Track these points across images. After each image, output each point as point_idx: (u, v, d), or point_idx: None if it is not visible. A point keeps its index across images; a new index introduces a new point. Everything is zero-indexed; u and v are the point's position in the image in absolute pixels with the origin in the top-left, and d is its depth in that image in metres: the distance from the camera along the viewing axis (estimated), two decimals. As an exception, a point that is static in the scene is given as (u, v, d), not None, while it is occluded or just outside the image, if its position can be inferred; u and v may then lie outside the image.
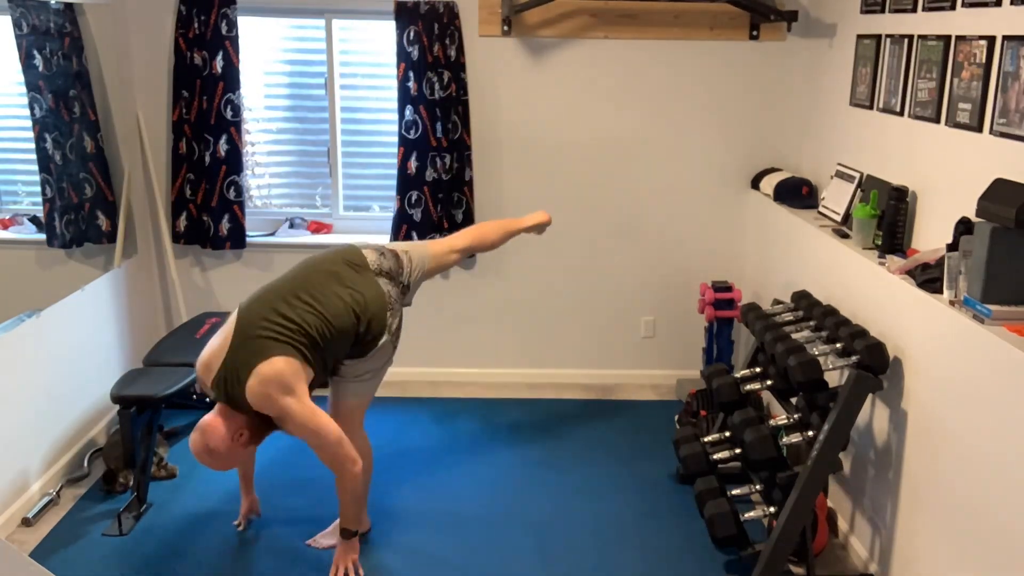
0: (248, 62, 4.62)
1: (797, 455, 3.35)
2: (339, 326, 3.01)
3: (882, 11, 3.58)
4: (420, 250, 3.39)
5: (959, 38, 2.97)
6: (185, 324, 4.33)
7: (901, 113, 3.39)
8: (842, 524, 3.48)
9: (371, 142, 4.78)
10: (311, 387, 3.00)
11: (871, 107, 3.67)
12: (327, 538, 3.40)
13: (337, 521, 3.30)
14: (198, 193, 4.62)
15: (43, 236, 3.80)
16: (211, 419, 2.92)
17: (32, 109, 3.69)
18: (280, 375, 2.85)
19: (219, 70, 4.46)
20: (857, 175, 3.72)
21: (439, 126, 4.51)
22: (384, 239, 4.73)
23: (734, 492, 3.30)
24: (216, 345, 2.98)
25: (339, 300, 3.04)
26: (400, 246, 3.37)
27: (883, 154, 3.56)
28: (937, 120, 3.11)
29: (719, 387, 3.52)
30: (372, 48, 4.66)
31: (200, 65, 4.47)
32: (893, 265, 3.07)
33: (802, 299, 3.61)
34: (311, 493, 3.75)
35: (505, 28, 4.49)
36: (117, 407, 3.65)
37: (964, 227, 2.70)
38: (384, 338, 3.12)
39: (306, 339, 2.94)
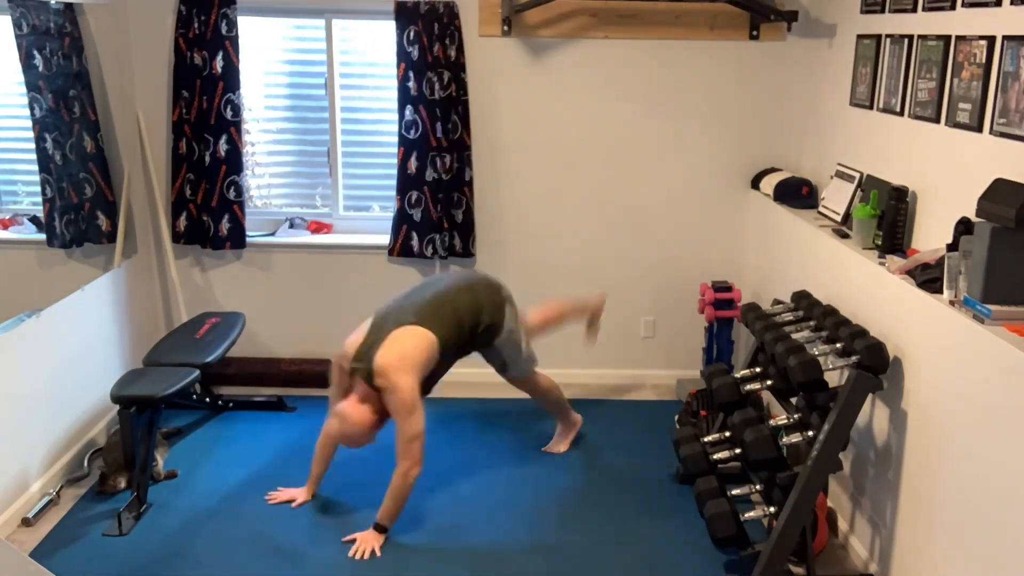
0: (248, 62, 4.62)
1: (797, 455, 3.35)
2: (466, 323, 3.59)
3: (882, 11, 3.58)
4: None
5: (959, 38, 2.97)
6: (185, 324, 4.34)
7: (901, 113, 3.39)
8: (842, 524, 3.48)
9: (371, 142, 4.78)
10: (426, 386, 3.47)
11: (871, 107, 3.67)
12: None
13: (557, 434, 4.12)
14: (198, 193, 4.62)
15: (43, 236, 3.81)
16: (348, 406, 3.40)
17: (32, 109, 3.69)
18: (411, 348, 3.35)
19: (219, 70, 4.46)
20: (857, 175, 3.72)
21: (439, 126, 4.52)
22: (384, 239, 4.74)
23: (734, 492, 3.30)
24: (354, 337, 3.48)
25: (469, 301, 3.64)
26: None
27: (883, 154, 3.56)
28: (937, 120, 3.11)
29: (719, 387, 3.52)
30: (372, 48, 4.66)
31: (200, 65, 4.47)
32: (893, 265, 3.07)
33: (802, 299, 3.61)
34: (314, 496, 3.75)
35: (505, 28, 4.49)
36: (117, 407, 3.65)
37: (964, 227, 2.70)
38: (498, 338, 3.75)
39: (443, 325, 3.47)
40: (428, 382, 3.53)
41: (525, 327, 3.93)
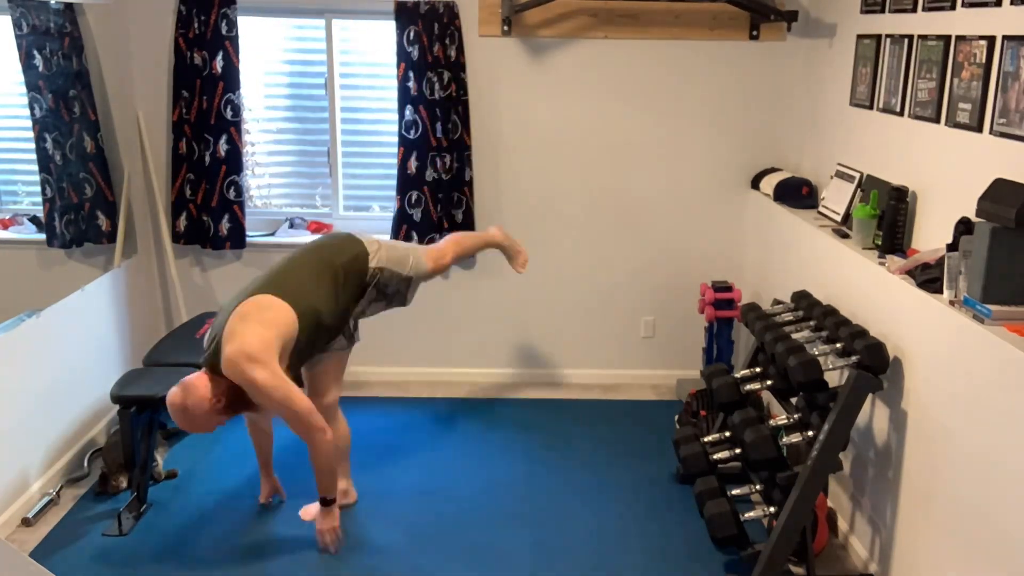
0: (248, 62, 4.62)
1: (797, 455, 3.35)
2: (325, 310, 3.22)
3: (882, 11, 3.59)
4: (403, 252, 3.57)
5: (959, 38, 2.97)
6: (185, 324, 4.33)
7: (901, 113, 3.39)
8: (842, 524, 3.48)
9: (371, 142, 4.78)
10: (302, 357, 3.17)
11: (871, 107, 3.67)
12: (311, 511, 3.46)
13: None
14: (198, 193, 4.62)
15: (43, 236, 3.81)
16: (195, 378, 3.04)
17: (32, 109, 3.69)
18: (259, 330, 2.97)
19: (219, 70, 4.46)
20: (857, 175, 3.72)
21: (439, 126, 4.52)
22: (384, 239, 4.72)
23: (734, 492, 3.30)
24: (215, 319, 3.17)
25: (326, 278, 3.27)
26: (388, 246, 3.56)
27: (883, 154, 3.56)
28: (937, 120, 3.11)
29: (719, 387, 3.52)
30: (372, 48, 4.66)
31: (200, 65, 4.47)
32: (893, 265, 3.07)
33: (802, 299, 3.61)
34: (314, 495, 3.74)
35: (505, 28, 4.49)
36: (117, 407, 3.65)
37: (964, 227, 2.70)
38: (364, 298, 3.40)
39: (303, 288, 3.15)
40: (304, 353, 3.20)
41: (413, 259, 3.57)
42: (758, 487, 3.25)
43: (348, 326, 3.42)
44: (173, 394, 3.02)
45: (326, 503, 3.28)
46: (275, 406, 3.00)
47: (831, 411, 2.97)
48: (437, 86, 4.47)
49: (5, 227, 3.68)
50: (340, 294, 3.30)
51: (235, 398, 3.07)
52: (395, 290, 3.51)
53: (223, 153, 4.56)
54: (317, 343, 3.25)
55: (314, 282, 3.21)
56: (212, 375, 3.05)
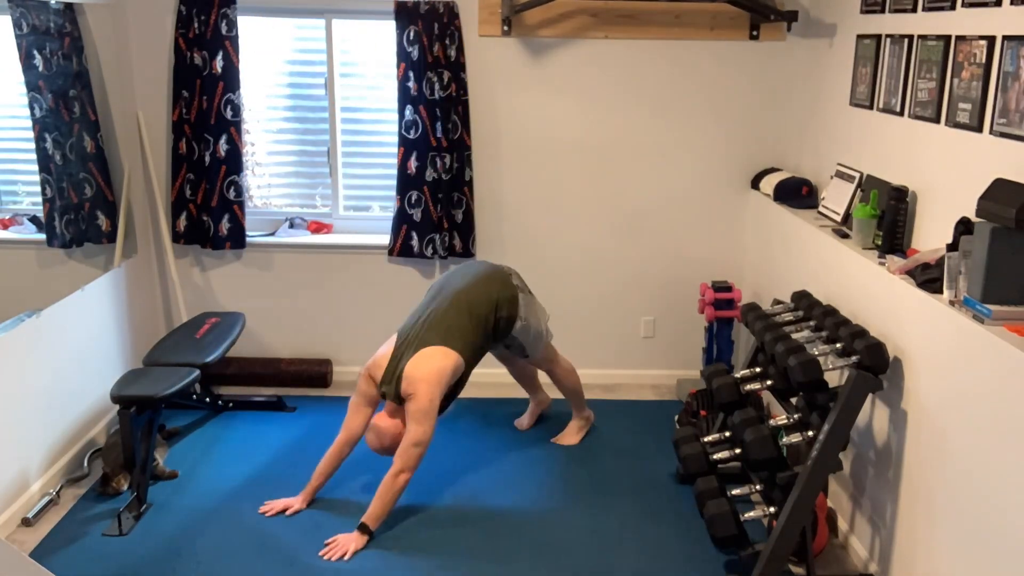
0: (248, 62, 4.62)
1: (797, 455, 3.35)
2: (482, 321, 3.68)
3: (882, 11, 3.59)
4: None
5: (959, 38, 2.97)
6: (185, 324, 4.33)
7: (901, 113, 3.39)
8: (842, 524, 3.48)
9: (371, 142, 4.78)
10: (446, 401, 3.59)
11: (871, 107, 3.67)
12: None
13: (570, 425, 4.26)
14: (198, 193, 4.62)
15: (43, 236, 3.81)
16: (383, 423, 3.53)
17: (32, 109, 3.69)
18: (438, 365, 3.47)
19: (219, 70, 4.46)
20: (857, 175, 3.72)
21: (439, 126, 4.52)
22: (384, 239, 4.74)
23: (734, 492, 3.30)
24: (384, 350, 3.62)
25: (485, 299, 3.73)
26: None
27: (883, 154, 3.56)
28: (937, 120, 3.11)
29: (719, 387, 3.52)
30: (372, 48, 4.66)
31: (200, 65, 4.47)
32: (893, 265, 3.07)
33: (802, 299, 3.61)
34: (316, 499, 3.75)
35: (505, 28, 4.49)
36: (117, 407, 3.65)
37: (964, 227, 2.70)
38: (516, 325, 3.79)
39: (466, 337, 3.59)
40: (449, 397, 3.60)
41: (540, 313, 3.97)
42: (758, 487, 3.25)
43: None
44: (370, 440, 3.57)
45: (366, 530, 3.39)
46: (414, 420, 3.40)
47: (831, 411, 2.97)
48: (437, 86, 4.47)
49: (5, 227, 3.68)
50: (495, 335, 3.79)
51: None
52: (520, 343, 3.91)
53: (223, 153, 4.56)
54: (458, 389, 3.68)
55: (476, 329, 3.65)
56: (390, 410, 3.54)
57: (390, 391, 3.51)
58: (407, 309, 4.83)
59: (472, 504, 3.70)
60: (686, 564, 3.31)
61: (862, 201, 3.58)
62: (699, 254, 4.81)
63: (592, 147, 4.67)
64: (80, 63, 4.03)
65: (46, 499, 3.59)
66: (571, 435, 4.27)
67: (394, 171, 4.68)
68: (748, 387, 3.45)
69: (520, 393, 4.76)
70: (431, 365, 3.46)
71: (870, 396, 3.20)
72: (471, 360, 3.64)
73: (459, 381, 3.64)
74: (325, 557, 3.29)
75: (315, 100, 4.71)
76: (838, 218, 3.79)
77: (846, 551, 3.40)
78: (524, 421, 4.41)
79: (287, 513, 3.59)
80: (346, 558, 3.28)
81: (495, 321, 3.72)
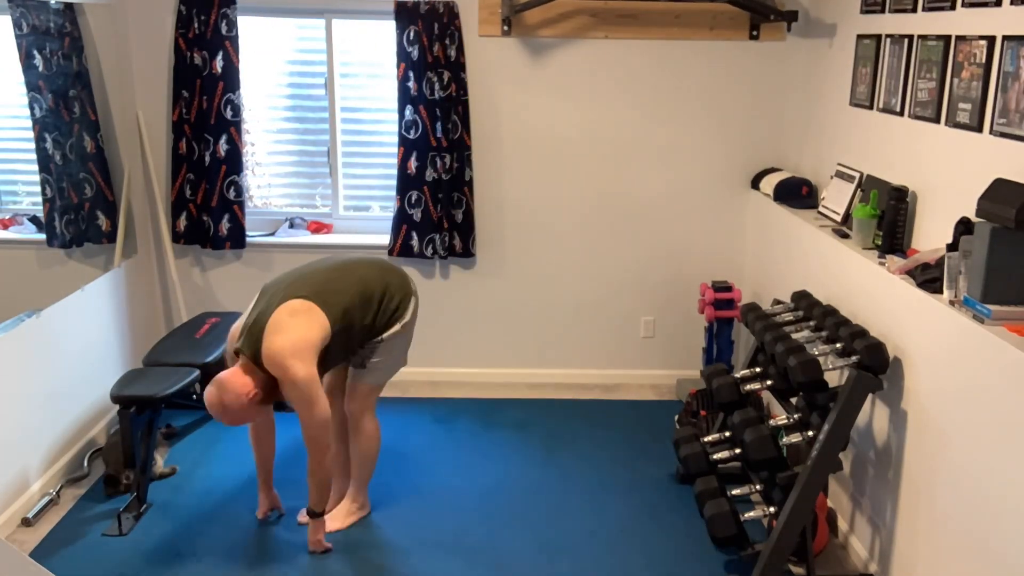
0: (248, 62, 4.62)
1: (797, 455, 3.35)
2: (365, 295, 3.23)
3: (882, 11, 3.59)
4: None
5: (959, 38, 2.97)
6: (185, 324, 4.33)
7: (901, 113, 3.39)
8: (842, 524, 3.48)
9: (371, 142, 4.78)
10: (326, 365, 3.18)
11: (871, 107, 3.67)
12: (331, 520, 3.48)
13: (340, 505, 3.56)
14: (198, 193, 4.62)
15: (43, 236, 3.81)
16: (228, 374, 3.09)
17: (32, 109, 3.69)
18: (304, 330, 3.03)
19: (219, 70, 4.46)
20: (857, 175, 3.72)
21: (439, 126, 4.52)
22: (384, 239, 4.74)
23: (734, 492, 3.30)
24: (246, 312, 3.22)
25: (369, 276, 3.29)
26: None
27: (883, 154, 3.56)
28: (937, 120, 3.11)
29: (719, 387, 3.52)
30: (372, 48, 4.66)
31: (200, 65, 4.47)
32: (893, 265, 3.07)
33: (802, 299, 3.61)
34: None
35: (505, 28, 4.49)
36: (117, 407, 3.65)
37: (964, 227, 2.70)
38: (396, 326, 3.31)
39: (342, 299, 3.16)
40: (323, 362, 3.17)
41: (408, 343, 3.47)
42: (758, 487, 3.25)
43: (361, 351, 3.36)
44: (209, 393, 3.07)
45: (314, 515, 3.32)
46: (301, 404, 3.06)
47: (831, 411, 2.97)
48: (437, 86, 4.47)
49: (5, 227, 3.68)
50: (373, 324, 3.27)
51: (270, 387, 3.13)
52: (371, 351, 3.36)
53: (223, 153, 4.56)
54: (336, 357, 3.25)
55: (358, 297, 3.21)
56: (250, 365, 3.08)
57: (247, 347, 3.08)
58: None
59: (471, 504, 3.70)
60: (686, 564, 3.31)
61: (862, 201, 3.58)
62: (699, 254, 4.81)
63: (592, 147, 4.67)
64: (80, 63, 4.03)
65: (46, 499, 3.59)
66: (339, 518, 3.52)
67: (394, 171, 4.68)
68: (748, 387, 3.45)
69: (521, 393, 4.78)
70: (295, 331, 3.01)
71: (870, 396, 3.20)
72: (338, 336, 3.14)
73: (329, 350, 3.15)
74: (315, 551, 3.34)
75: (315, 100, 4.71)
76: (838, 218, 3.79)
77: (846, 551, 3.40)
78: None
79: (259, 515, 3.57)
80: (329, 546, 3.33)
81: (378, 309, 3.25)
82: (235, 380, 3.07)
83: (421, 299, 4.81)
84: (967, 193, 2.89)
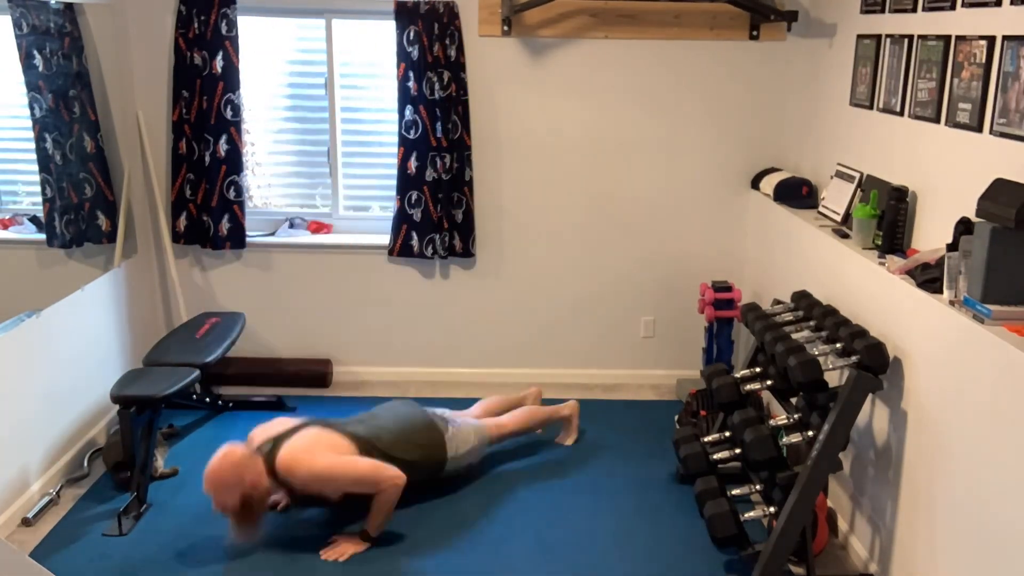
0: (248, 62, 4.62)
1: (797, 455, 3.35)
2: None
3: (882, 11, 3.59)
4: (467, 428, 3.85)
5: (959, 38, 2.97)
6: (185, 324, 4.33)
7: (901, 113, 3.39)
8: (842, 524, 3.48)
9: (371, 142, 4.78)
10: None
11: (871, 107, 3.67)
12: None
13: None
14: (198, 193, 4.62)
15: (43, 236, 3.81)
16: (241, 450, 3.25)
17: (32, 109, 3.69)
18: (321, 444, 3.33)
19: (219, 70, 4.46)
20: (857, 175, 3.72)
21: (439, 126, 4.52)
22: (384, 239, 4.74)
23: (734, 492, 3.30)
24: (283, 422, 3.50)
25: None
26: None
27: (883, 154, 3.56)
28: (937, 120, 3.11)
29: (719, 387, 3.52)
30: (372, 48, 4.66)
31: (200, 65, 4.47)
32: (893, 265, 3.07)
33: (802, 299, 3.61)
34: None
35: (505, 28, 4.49)
36: (117, 407, 3.65)
37: (964, 227, 2.70)
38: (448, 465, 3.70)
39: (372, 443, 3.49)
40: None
41: (475, 436, 3.83)
42: (758, 487, 3.25)
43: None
44: (211, 463, 3.21)
45: (367, 538, 3.37)
46: (350, 483, 3.31)
47: (831, 411, 2.97)
48: (437, 86, 4.47)
49: (5, 227, 3.68)
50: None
51: (263, 498, 3.28)
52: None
53: (223, 153, 4.56)
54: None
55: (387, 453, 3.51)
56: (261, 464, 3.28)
57: (266, 452, 3.31)
58: (407, 309, 4.85)
59: (471, 504, 3.70)
60: (686, 564, 3.31)
61: (862, 201, 3.58)
62: (699, 254, 4.81)
63: (592, 147, 4.67)
64: (80, 63, 4.03)
65: (46, 499, 3.59)
66: (568, 435, 4.23)
67: (394, 171, 4.68)
68: (748, 387, 3.45)
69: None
70: (309, 441, 3.33)
71: (870, 396, 3.20)
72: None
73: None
74: (323, 556, 3.30)
75: (315, 100, 4.71)
76: (838, 218, 3.79)
77: (846, 551, 3.41)
78: (563, 436, 4.25)
79: (278, 509, 3.60)
80: (342, 559, 3.28)
81: (411, 464, 3.54)
82: (245, 461, 3.22)
83: (421, 299, 4.81)
84: (967, 193, 2.89)
